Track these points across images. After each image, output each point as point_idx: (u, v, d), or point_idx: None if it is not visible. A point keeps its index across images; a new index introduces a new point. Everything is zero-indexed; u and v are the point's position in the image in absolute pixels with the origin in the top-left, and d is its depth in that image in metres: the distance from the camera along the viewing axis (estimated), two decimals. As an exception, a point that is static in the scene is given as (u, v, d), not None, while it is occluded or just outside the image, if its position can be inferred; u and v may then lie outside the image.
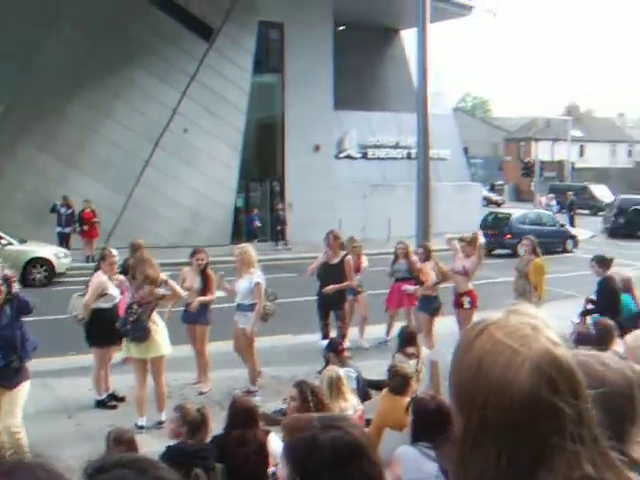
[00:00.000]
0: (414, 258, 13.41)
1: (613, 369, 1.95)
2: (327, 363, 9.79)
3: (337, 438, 2.22)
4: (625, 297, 10.92)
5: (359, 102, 33.62)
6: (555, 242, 30.77)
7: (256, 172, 32.60)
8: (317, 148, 32.04)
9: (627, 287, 11.10)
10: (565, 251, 31.53)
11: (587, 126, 75.45)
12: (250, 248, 11.15)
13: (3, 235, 21.25)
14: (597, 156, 74.02)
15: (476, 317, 12.88)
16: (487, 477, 1.41)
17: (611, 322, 8.27)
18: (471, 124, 71.83)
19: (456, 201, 33.74)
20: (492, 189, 62.31)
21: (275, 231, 31.08)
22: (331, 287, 12.34)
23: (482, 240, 13.09)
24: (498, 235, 29.96)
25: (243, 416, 6.01)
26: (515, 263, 13.98)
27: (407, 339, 10.03)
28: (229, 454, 5.77)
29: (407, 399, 7.75)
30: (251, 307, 10.66)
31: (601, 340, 7.71)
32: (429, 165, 15.77)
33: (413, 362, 9.69)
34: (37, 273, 21.18)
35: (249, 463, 5.72)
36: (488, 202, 52.76)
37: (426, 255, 12.92)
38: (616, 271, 12.99)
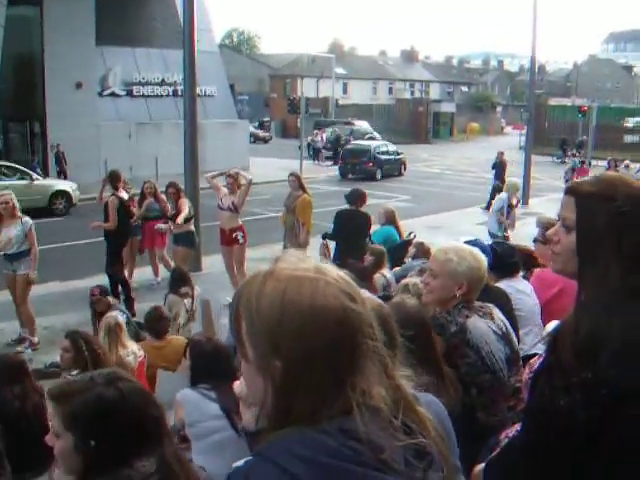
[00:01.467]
0: (162, 196, 13.48)
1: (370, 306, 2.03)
2: (93, 310, 9.54)
3: (125, 388, 2.16)
4: (389, 229, 11.44)
5: (123, 38, 32.34)
6: (394, 167, 37.82)
7: (14, 112, 30.61)
8: (79, 85, 30.62)
9: (391, 219, 11.62)
10: (400, 175, 37.79)
11: (350, 64, 77.48)
12: (13, 195, 10.56)
13: (30, 172, 24.20)
14: (360, 93, 76.27)
15: (248, 252, 13.11)
16: (314, 398, 1.45)
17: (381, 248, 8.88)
18: (237, 60, 71.69)
19: (223, 138, 33.61)
20: (261, 126, 62.71)
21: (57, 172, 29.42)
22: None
23: (248, 177, 13.23)
24: (360, 163, 35.74)
25: (13, 372, 5.70)
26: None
27: (179, 279, 9.99)
28: (9, 411, 5.47)
29: (167, 338, 7.82)
30: (27, 252, 10.23)
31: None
32: (195, 102, 15.66)
33: (187, 301, 9.69)
34: (59, 204, 24.09)
35: (35, 416, 5.45)
36: (255, 139, 53.10)
37: (178, 194, 12.95)
38: (381, 204, 13.54)
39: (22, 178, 23.50)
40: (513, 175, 21.99)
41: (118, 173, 12.74)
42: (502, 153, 27.15)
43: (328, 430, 1.42)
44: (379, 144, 39.55)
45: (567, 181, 27.51)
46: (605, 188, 2.11)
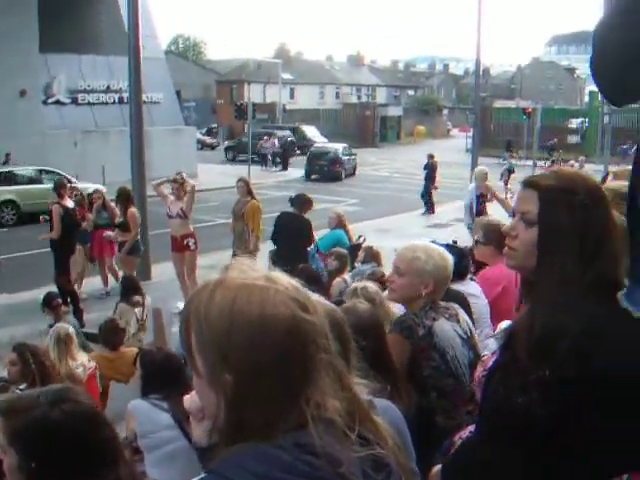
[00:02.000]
0: (111, 204, 13.53)
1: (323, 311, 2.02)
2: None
3: (70, 411, 2.10)
4: (339, 232, 11.47)
5: (68, 45, 31.83)
6: (351, 168, 40.41)
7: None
8: (23, 93, 30.17)
9: (340, 223, 11.67)
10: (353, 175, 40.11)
11: (297, 69, 77.51)
12: None
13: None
14: (307, 98, 76.33)
15: (198, 260, 13.04)
16: (233, 422, 1.44)
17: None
18: (183, 67, 71.27)
19: (171, 145, 33.33)
20: (209, 132, 62.41)
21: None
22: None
23: (191, 182, 13.19)
24: (328, 165, 37.91)
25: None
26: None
27: (130, 287, 9.90)
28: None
29: (121, 350, 7.75)
30: None
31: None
32: (142, 109, 15.55)
33: (138, 310, 9.60)
34: (6, 214, 23.53)
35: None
36: (202, 145, 52.83)
37: (127, 201, 12.86)
38: (330, 208, 13.54)
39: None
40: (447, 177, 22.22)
41: (63, 181, 12.62)
42: (432, 156, 27.23)
43: (283, 445, 1.39)
44: (342, 147, 41.11)
45: (505, 183, 27.96)
46: (567, 182, 2.14)
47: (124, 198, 12.78)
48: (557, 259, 2.06)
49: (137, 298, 9.66)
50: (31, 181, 24.70)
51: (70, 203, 12.43)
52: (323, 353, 1.47)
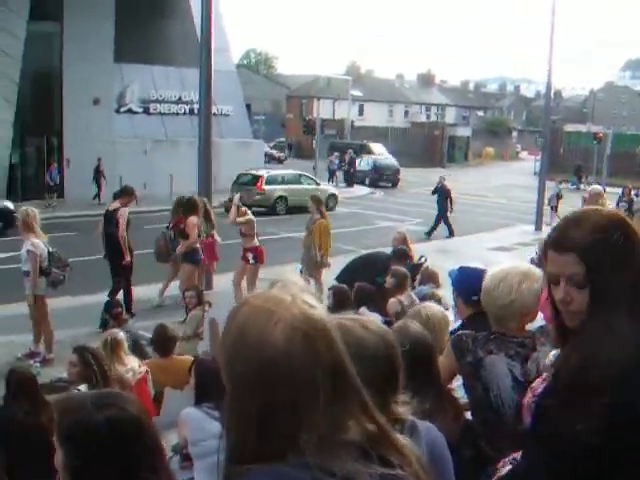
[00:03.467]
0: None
1: (373, 332, 2.01)
2: (105, 324, 9.59)
3: (113, 417, 2.15)
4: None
5: (141, 55, 32.56)
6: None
7: (32, 126, 30.80)
8: (97, 101, 30.88)
9: (404, 242, 11.62)
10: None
11: (367, 86, 77.67)
12: (30, 211, 10.53)
13: None
14: (376, 115, 76.36)
15: (262, 273, 13.17)
16: (249, 443, 1.46)
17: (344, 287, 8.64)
18: (254, 80, 71.96)
19: (238, 157, 33.69)
20: (288, 147, 62.97)
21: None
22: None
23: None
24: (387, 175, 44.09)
25: (22, 386, 5.72)
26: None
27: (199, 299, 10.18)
28: (15, 424, 5.49)
29: (173, 357, 7.83)
30: (27, 273, 10.15)
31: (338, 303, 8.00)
32: (211, 121, 15.75)
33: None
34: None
35: (41, 431, 5.46)
36: (270, 158, 53.22)
37: (190, 210, 13.00)
38: (394, 227, 13.54)
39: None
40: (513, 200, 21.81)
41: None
42: (444, 178, 26.42)
43: (301, 466, 1.41)
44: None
45: (552, 208, 27.30)
46: (597, 230, 2.07)
47: (186, 207, 12.96)
48: (608, 312, 2.02)
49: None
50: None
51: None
52: (331, 379, 1.47)
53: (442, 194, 25.41)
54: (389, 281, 8.63)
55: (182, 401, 5.74)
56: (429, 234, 24.31)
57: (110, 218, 12.56)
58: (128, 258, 12.47)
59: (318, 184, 32.13)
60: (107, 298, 11.54)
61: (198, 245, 13.07)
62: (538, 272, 3.82)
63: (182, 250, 12.73)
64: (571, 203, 24.50)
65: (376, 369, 1.91)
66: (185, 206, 13.06)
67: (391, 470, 1.49)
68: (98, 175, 29.77)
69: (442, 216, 24.85)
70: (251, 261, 13.02)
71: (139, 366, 7.16)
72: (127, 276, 12.68)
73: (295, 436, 1.43)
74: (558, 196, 28.51)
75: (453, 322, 5.10)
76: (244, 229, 13.22)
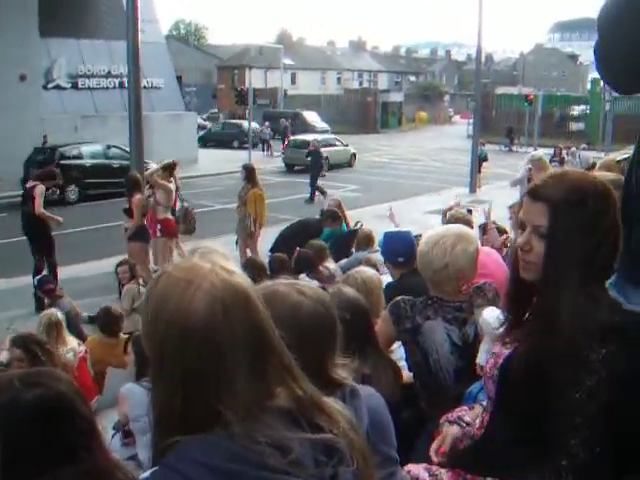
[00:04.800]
0: None
1: (309, 296, 2.00)
2: (41, 304, 9.45)
3: (42, 395, 2.10)
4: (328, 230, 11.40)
5: (68, 29, 31.70)
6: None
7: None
8: (23, 78, 30.02)
9: (339, 210, 11.65)
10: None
11: (299, 54, 77.34)
12: None
13: None
14: (308, 83, 76.17)
15: (192, 244, 13.03)
16: (174, 415, 1.45)
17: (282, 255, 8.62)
18: (184, 52, 71.19)
19: (171, 130, 33.31)
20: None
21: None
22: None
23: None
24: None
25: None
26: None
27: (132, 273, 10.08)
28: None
29: (120, 336, 7.74)
30: None
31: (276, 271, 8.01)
32: (141, 95, 15.49)
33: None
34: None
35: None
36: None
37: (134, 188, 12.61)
38: (330, 194, 13.56)
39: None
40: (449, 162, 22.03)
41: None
42: (317, 141, 27.28)
43: (232, 435, 1.41)
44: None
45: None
46: (576, 192, 2.10)
47: (131, 184, 12.67)
48: (561, 273, 2.07)
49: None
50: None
51: None
52: (253, 346, 1.48)
53: (316, 157, 25.99)
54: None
55: (124, 379, 5.70)
56: (311, 199, 24.52)
57: (27, 196, 12.38)
58: (60, 219, 12.49)
59: (346, 145, 37.35)
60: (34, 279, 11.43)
61: (145, 222, 12.81)
62: (472, 234, 3.87)
63: (131, 232, 12.39)
64: (502, 165, 24.88)
65: (313, 333, 1.90)
66: (127, 184, 12.71)
67: (321, 435, 1.49)
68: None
69: (312, 178, 25.10)
70: (158, 233, 12.81)
71: (79, 345, 7.08)
72: (49, 253, 12.47)
73: (221, 405, 1.42)
74: (481, 158, 28.63)
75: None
76: (159, 196, 12.85)
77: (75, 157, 26.33)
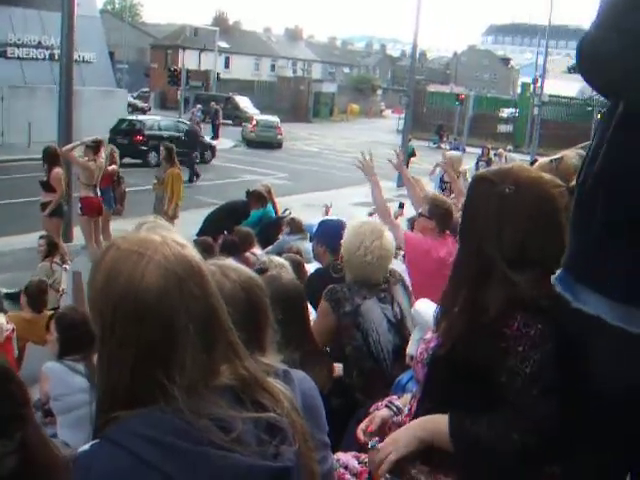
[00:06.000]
0: None
1: (232, 279, 2.00)
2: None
3: None
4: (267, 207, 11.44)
5: (-2, -4, 30.96)
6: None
7: None
8: (-52, 43, 29.25)
9: (268, 196, 11.66)
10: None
11: (234, 38, 76.74)
12: None
13: None
14: (242, 68, 75.67)
15: (123, 223, 12.85)
16: (120, 389, 1.44)
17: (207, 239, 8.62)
18: (118, 28, 69.71)
19: (101, 106, 32.67)
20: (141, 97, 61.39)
21: None
22: None
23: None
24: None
25: None
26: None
27: (52, 248, 9.86)
28: None
29: (44, 313, 7.59)
30: None
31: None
32: (72, 68, 15.18)
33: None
34: None
35: None
36: (133, 109, 51.92)
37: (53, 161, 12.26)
38: (259, 180, 13.53)
39: None
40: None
41: None
42: (196, 122, 27.93)
43: (175, 410, 1.40)
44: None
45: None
46: (500, 175, 2.17)
47: (50, 158, 12.35)
48: (470, 246, 2.12)
49: (57, 259, 9.61)
50: None
51: None
52: (203, 321, 1.47)
53: (192, 138, 26.25)
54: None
55: (44, 356, 5.60)
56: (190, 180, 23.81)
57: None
58: None
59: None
60: None
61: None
62: (381, 225, 4.07)
63: (52, 206, 12.05)
64: (430, 160, 25.17)
65: (234, 318, 1.90)
66: (46, 158, 12.37)
67: (264, 414, 1.50)
68: None
69: (190, 160, 24.73)
70: (78, 211, 12.62)
71: (7, 322, 6.89)
72: None
73: (167, 379, 1.42)
74: (408, 153, 28.80)
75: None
76: (80, 174, 12.56)
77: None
